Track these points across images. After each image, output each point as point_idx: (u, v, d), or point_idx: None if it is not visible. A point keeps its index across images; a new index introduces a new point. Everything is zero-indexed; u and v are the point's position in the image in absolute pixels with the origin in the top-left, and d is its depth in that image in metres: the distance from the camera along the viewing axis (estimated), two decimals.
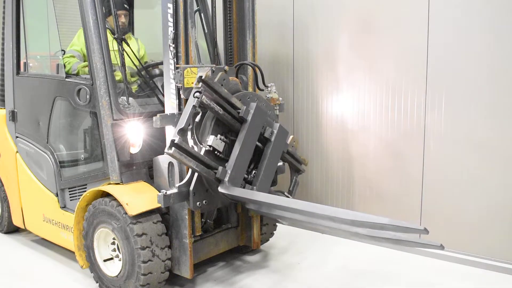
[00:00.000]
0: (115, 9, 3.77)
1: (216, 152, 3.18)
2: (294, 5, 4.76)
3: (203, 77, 2.95)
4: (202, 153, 3.10)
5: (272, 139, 3.39)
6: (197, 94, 2.92)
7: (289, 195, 3.70)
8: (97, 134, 3.53)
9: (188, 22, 3.22)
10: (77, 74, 3.69)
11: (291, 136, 3.68)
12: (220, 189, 3.13)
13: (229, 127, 3.27)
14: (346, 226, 2.64)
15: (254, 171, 3.39)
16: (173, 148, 2.88)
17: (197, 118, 3.10)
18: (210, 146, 3.12)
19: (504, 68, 3.63)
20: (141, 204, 3.24)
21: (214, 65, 3.46)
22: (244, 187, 3.30)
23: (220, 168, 3.11)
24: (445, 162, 3.96)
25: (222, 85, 3.12)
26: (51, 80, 3.89)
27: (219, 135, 3.19)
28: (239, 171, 3.21)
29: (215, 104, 3.07)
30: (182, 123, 2.94)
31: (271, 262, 4.05)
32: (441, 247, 2.42)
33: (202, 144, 3.14)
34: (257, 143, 3.35)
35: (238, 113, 3.21)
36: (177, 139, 2.88)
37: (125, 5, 4.01)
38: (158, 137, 3.46)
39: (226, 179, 3.12)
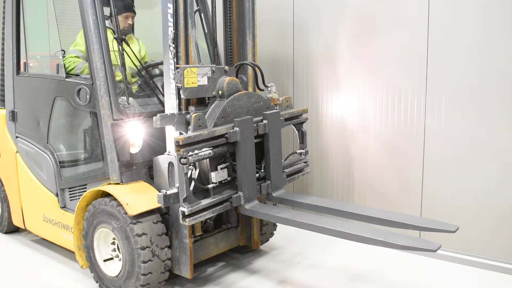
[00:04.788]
0: (123, 10, 3.80)
1: (223, 181, 3.24)
2: (294, 5, 4.77)
3: (180, 143, 2.86)
4: (212, 193, 3.18)
5: (267, 131, 3.39)
6: (183, 160, 2.88)
7: (302, 150, 3.87)
8: (97, 134, 3.53)
9: (188, 22, 3.22)
10: (81, 73, 3.68)
11: (283, 98, 3.71)
12: (243, 213, 3.30)
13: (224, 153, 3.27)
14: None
15: (263, 164, 3.45)
16: (186, 219, 2.94)
17: (193, 174, 3.09)
18: (215, 183, 3.18)
19: (504, 68, 3.62)
20: (141, 204, 3.24)
21: (214, 65, 3.46)
22: (260, 187, 3.38)
23: (233, 197, 3.20)
24: (445, 162, 3.96)
25: (200, 126, 3.07)
26: (51, 80, 3.89)
27: (219, 167, 3.22)
28: (251, 186, 3.28)
29: (203, 153, 2.99)
30: (183, 193, 2.94)
31: (271, 262, 4.05)
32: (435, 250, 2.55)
33: (208, 185, 3.18)
34: (257, 140, 3.37)
35: (227, 138, 3.15)
36: (186, 210, 2.92)
37: (133, 7, 4.03)
38: (158, 137, 3.46)
39: (242, 202, 3.22)
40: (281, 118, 3.53)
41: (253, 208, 3.25)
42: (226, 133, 3.14)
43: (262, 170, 3.47)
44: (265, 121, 3.38)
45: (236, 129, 3.16)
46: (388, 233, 2.75)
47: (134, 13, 4.05)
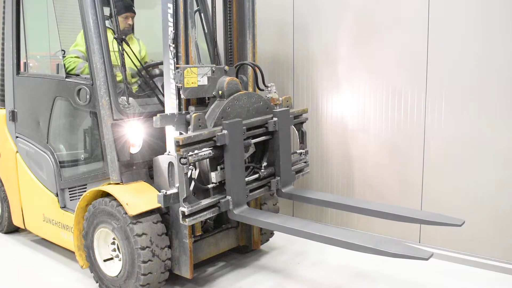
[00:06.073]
0: (123, 11, 3.80)
1: (223, 181, 3.23)
2: (294, 4, 4.76)
3: (180, 143, 2.85)
4: (212, 193, 3.18)
5: (277, 128, 3.43)
6: (183, 160, 2.86)
7: (302, 150, 3.94)
8: (97, 134, 3.53)
9: (188, 22, 3.22)
10: (81, 73, 3.69)
11: (283, 98, 3.73)
12: (231, 218, 3.26)
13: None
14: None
15: (263, 164, 3.49)
16: (186, 219, 2.94)
17: (193, 174, 3.08)
18: (215, 182, 3.18)
19: (504, 68, 3.63)
20: (141, 204, 3.24)
21: (214, 65, 3.46)
22: (270, 183, 3.45)
23: (221, 201, 3.15)
24: (445, 162, 3.96)
25: (200, 126, 3.06)
26: (51, 80, 3.89)
27: (218, 167, 3.22)
28: (239, 190, 3.24)
29: (203, 153, 2.98)
30: (183, 193, 2.92)
31: (271, 262, 4.05)
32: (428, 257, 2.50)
33: (208, 185, 3.18)
34: (266, 137, 3.42)
35: (215, 141, 3.11)
36: (186, 210, 2.92)
37: (133, 7, 4.03)
38: (158, 137, 3.46)
39: (231, 207, 3.19)
40: (290, 116, 3.58)
41: (241, 213, 3.21)
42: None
43: (263, 170, 3.47)
44: (275, 119, 3.42)
45: (225, 131, 3.09)
46: (379, 240, 2.74)
47: (134, 13, 4.06)
